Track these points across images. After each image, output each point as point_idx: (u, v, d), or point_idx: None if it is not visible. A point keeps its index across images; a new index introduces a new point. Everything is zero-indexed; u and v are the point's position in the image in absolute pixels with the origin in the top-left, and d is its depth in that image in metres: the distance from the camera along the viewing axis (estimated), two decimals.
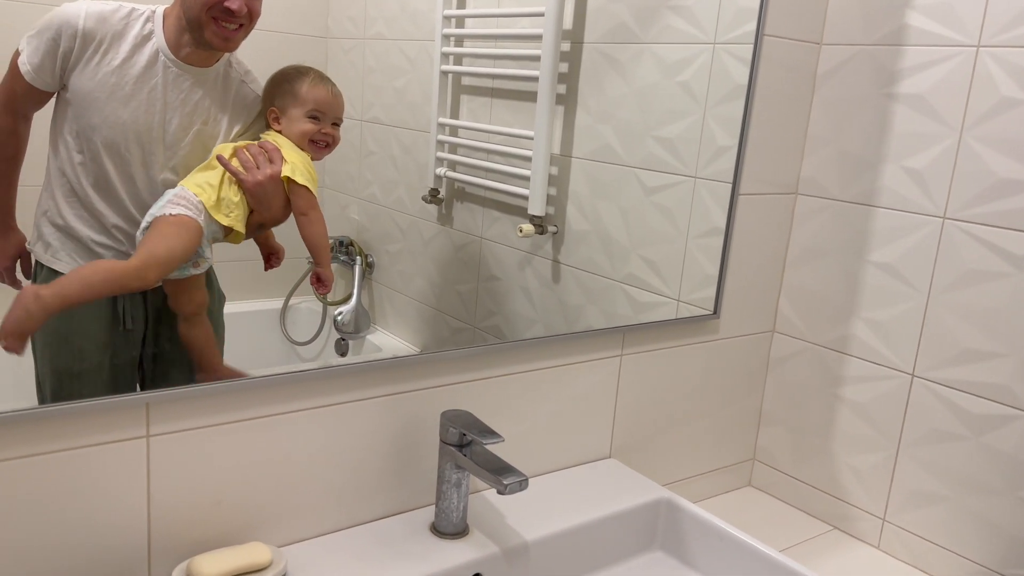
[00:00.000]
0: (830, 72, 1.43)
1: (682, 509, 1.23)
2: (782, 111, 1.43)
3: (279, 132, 0.97)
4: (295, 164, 0.96)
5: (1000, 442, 1.25)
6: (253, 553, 0.93)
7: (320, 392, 1.02)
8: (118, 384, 0.92)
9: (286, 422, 1.00)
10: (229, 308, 0.99)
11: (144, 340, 0.94)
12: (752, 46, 1.35)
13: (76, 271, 0.89)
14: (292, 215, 0.99)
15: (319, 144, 0.99)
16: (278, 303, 1.08)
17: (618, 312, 1.35)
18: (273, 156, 0.95)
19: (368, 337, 1.15)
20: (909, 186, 1.33)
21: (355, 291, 1.13)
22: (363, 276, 1.14)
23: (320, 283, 1.03)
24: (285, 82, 0.97)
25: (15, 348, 0.84)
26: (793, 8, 1.38)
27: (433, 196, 1.19)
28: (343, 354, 1.14)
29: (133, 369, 0.94)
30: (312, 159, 0.99)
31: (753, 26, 1.35)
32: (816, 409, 1.51)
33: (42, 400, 0.88)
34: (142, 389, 0.91)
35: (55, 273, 0.88)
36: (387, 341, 1.16)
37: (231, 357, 1.00)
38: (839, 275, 1.45)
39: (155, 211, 0.90)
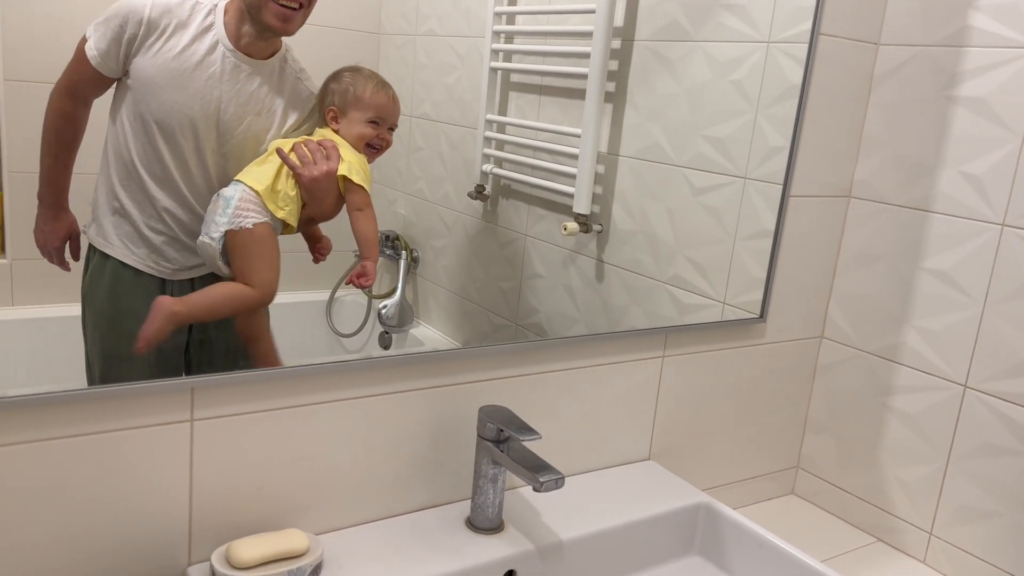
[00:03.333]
0: (888, 73, 1.39)
1: (722, 515, 1.21)
2: (836, 112, 1.40)
3: (336, 131, 0.99)
4: (352, 164, 0.98)
5: None
6: (291, 539, 0.94)
7: (361, 383, 1.03)
8: (164, 368, 0.93)
9: (327, 411, 1.01)
10: (275, 300, 1.00)
11: (192, 326, 0.96)
12: (807, 45, 1.33)
13: (206, 292, 0.95)
14: (343, 211, 1.01)
15: (374, 148, 1.01)
16: (324, 295, 1.09)
17: (662, 313, 1.33)
18: (331, 153, 0.98)
19: (411, 331, 1.16)
20: (967, 192, 1.29)
21: (399, 285, 1.14)
22: (408, 271, 1.15)
23: (364, 276, 1.03)
24: (348, 85, 0.99)
25: (145, 352, 0.91)
26: (850, 7, 1.35)
27: (479, 192, 1.19)
28: (386, 347, 1.15)
29: (180, 354, 0.95)
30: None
31: (809, 25, 1.32)
32: (864, 418, 1.47)
33: (91, 382, 0.91)
34: (187, 374, 0.93)
35: (106, 257, 0.91)
36: (429, 335, 1.17)
37: (277, 348, 1.01)
38: (892, 281, 1.41)
39: (228, 221, 0.93)
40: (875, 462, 1.46)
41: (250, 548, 0.92)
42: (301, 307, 1.07)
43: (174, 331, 0.94)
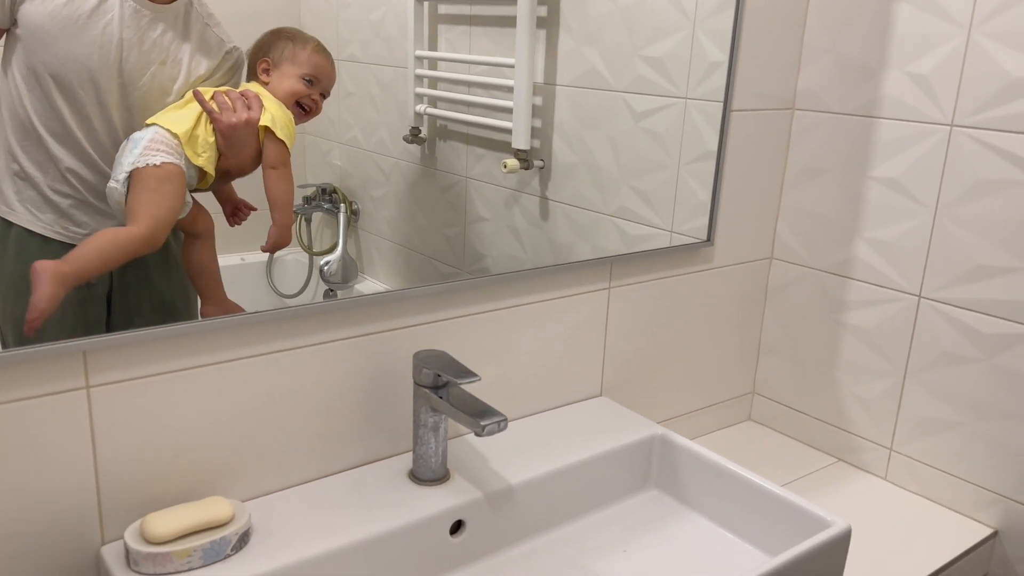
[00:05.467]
0: None
1: (677, 445, 1.16)
2: (776, 19, 1.33)
3: (265, 84, 0.95)
4: (276, 116, 0.94)
5: (1015, 363, 1.18)
6: (212, 508, 0.87)
7: (280, 335, 0.95)
8: (88, 325, 0.87)
9: (245, 367, 0.93)
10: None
11: (110, 297, 0.90)
12: None
13: (89, 244, 0.87)
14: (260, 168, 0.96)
15: (303, 108, 0.97)
16: (264, 256, 1.03)
17: (610, 248, 1.29)
18: (252, 103, 0.93)
19: (357, 287, 1.12)
20: (914, 93, 1.24)
21: (340, 240, 1.10)
22: (348, 224, 1.10)
23: (274, 244, 0.98)
24: (287, 39, 0.96)
25: (38, 327, 0.82)
26: None
27: (415, 135, 1.15)
28: None
29: (101, 328, 0.89)
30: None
31: None
32: (818, 338, 1.43)
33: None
34: (109, 330, 0.86)
35: (9, 225, 0.84)
36: (376, 289, 1.12)
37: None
38: (840, 194, 1.36)
39: (135, 160, 0.86)
40: (832, 381, 1.42)
41: (166, 521, 0.84)
42: (240, 269, 1.01)
43: (80, 289, 0.86)
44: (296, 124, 0.97)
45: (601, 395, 1.31)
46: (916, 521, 1.26)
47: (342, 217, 1.10)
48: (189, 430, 0.90)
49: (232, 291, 0.97)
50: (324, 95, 0.99)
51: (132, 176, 0.86)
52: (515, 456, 1.10)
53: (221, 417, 0.93)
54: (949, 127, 1.20)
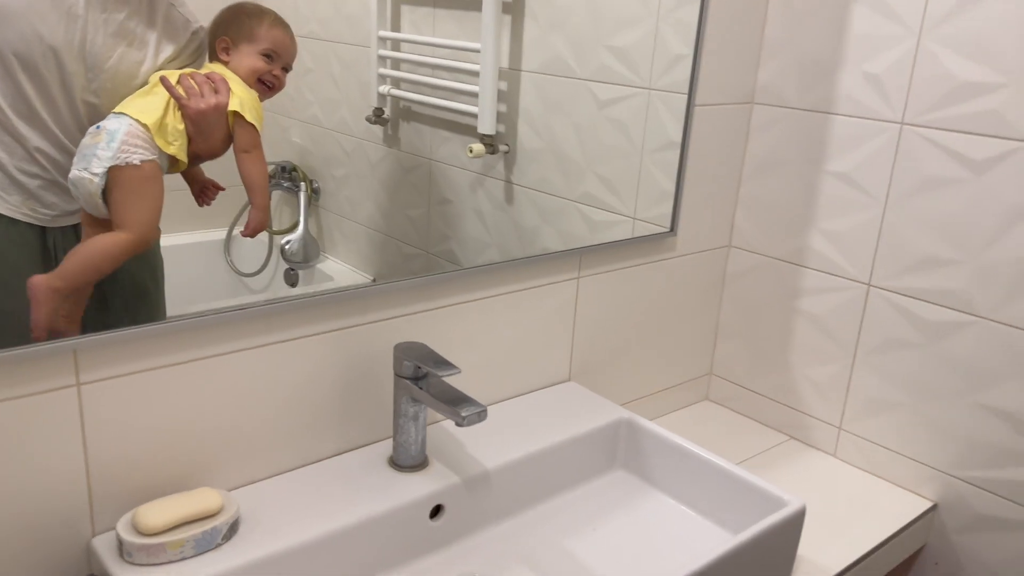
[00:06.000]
0: None
1: (642, 428, 1.22)
2: (738, 15, 1.37)
3: (226, 64, 0.94)
4: (243, 100, 0.94)
5: (954, 348, 1.26)
6: (202, 499, 0.89)
7: (264, 330, 0.97)
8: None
9: (230, 362, 0.95)
10: (170, 240, 0.94)
11: None
12: None
13: (80, 256, 0.88)
14: (230, 150, 0.96)
15: (266, 84, 0.97)
16: (221, 234, 1.04)
17: (574, 232, 1.32)
18: (220, 87, 0.93)
19: (318, 266, 1.12)
20: (867, 91, 1.30)
21: (301, 219, 1.10)
22: (308, 203, 1.10)
23: (255, 227, 0.99)
24: (243, 16, 0.95)
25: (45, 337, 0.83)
26: None
27: (378, 116, 1.15)
28: (293, 284, 1.11)
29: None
30: None
31: None
32: (773, 322, 1.50)
33: None
34: (82, 332, 0.86)
35: None
36: (338, 269, 1.13)
37: (174, 290, 0.96)
38: (796, 186, 1.42)
39: (112, 156, 0.85)
40: (785, 364, 1.49)
41: (159, 512, 0.86)
42: (198, 247, 1.02)
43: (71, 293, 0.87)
44: (261, 101, 0.96)
45: (570, 379, 1.36)
46: (863, 495, 1.34)
47: (303, 196, 1.09)
48: (176, 423, 0.93)
49: (189, 270, 0.97)
50: (286, 69, 0.98)
51: (111, 174, 0.86)
52: (490, 441, 1.14)
53: (207, 409, 0.95)
54: (900, 125, 1.27)
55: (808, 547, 1.17)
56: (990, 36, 1.15)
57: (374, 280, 1.15)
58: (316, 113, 1.08)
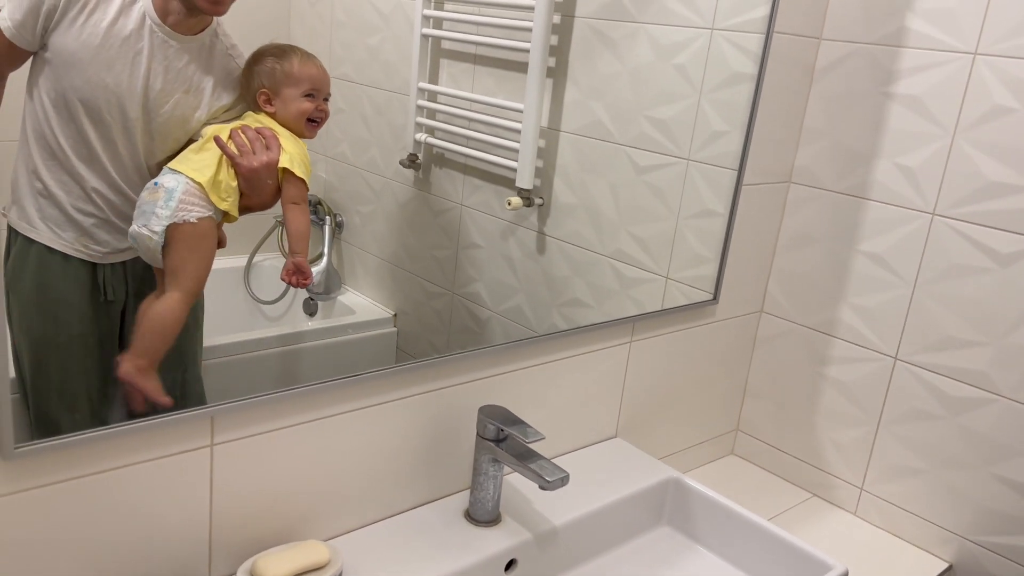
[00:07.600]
0: (829, 67, 1.48)
1: (689, 488, 1.31)
2: (781, 103, 1.48)
3: (272, 115, 0.95)
4: (293, 156, 0.95)
5: (975, 423, 1.36)
6: (313, 552, 0.97)
7: (368, 392, 1.05)
8: (99, 356, 0.91)
9: (337, 422, 1.03)
10: None
11: (124, 312, 0.93)
12: (762, 36, 1.38)
13: (147, 329, 0.91)
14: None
15: (315, 122, 0.98)
16: (241, 261, 1.05)
17: (605, 286, 1.36)
18: (271, 143, 0.94)
19: (339, 298, 1.15)
20: (901, 182, 1.41)
21: (325, 251, 1.12)
22: (332, 236, 1.12)
23: (300, 274, 1.00)
24: (272, 61, 0.95)
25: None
26: (795, 3, 1.42)
27: (412, 161, 1.18)
28: (312, 314, 1.13)
29: (114, 342, 0.93)
30: (305, 137, 0.98)
31: (752, 15, 1.37)
32: (800, 385, 1.60)
33: (19, 372, 0.86)
34: (122, 344, 0.90)
35: (30, 242, 0.87)
36: (359, 302, 1.17)
37: None
38: (828, 262, 1.52)
39: (171, 214, 0.89)
40: (810, 425, 1.59)
41: (276, 563, 0.94)
42: (217, 274, 1.01)
43: (98, 304, 0.91)
44: (311, 137, 0.98)
45: (616, 436, 1.45)
46: (882, 554, 1.44)
47: (327, 229, 1.12)
48: (289, 478, 1.00)
49: (209, 296, 0.97)
50: (327, 99, 0.99)
51: (170, 231, 0.89)
52: (552, 498, 1.21)
53: (315, 465, 1.02)
54: (931, 215, 1.38)
55: None
56: (1018, 142, 1.27)
57: (395, 315, 1.19)
58: (344, 151, 1.10)
